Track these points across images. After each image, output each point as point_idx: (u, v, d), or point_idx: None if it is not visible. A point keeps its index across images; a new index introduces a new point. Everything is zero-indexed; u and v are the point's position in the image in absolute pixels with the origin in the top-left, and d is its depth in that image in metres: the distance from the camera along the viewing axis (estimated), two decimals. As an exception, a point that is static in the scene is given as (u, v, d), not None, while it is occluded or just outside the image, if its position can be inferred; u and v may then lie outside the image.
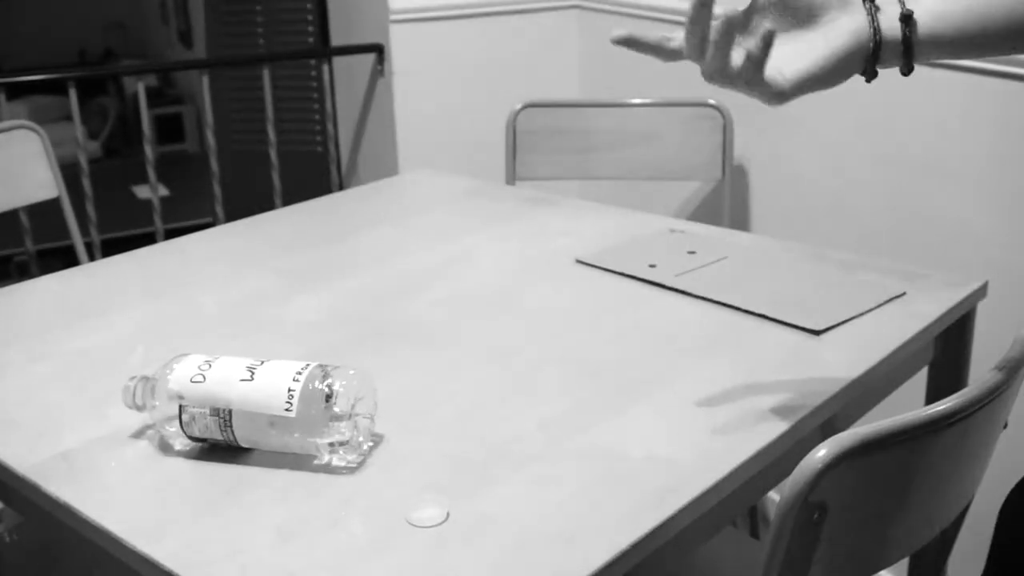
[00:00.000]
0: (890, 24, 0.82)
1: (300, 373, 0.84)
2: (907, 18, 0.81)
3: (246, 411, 0.84)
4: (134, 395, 0.89)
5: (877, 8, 0.82)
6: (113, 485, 0.84)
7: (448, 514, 0.78)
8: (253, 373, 0.85)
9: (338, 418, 0.82)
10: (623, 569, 0.74)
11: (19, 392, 1.00)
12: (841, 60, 0.82)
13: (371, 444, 0.87)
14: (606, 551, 0.74)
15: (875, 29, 0.81)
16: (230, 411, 0.84)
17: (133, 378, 0.90)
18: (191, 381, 0.86)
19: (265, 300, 1.22)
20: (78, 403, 0.97)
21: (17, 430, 0.92)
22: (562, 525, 0.77)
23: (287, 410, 0.82)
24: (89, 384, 1.01)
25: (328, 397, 0.82)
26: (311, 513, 0.79)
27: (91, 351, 1.09)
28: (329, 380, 0.83)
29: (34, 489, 0.85)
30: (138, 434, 0.91)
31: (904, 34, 0.81)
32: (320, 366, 0.85)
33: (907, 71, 0.83)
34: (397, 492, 0.82)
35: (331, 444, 0.83)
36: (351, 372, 0.85)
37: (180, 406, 0.85)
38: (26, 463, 0.87)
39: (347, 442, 0.83)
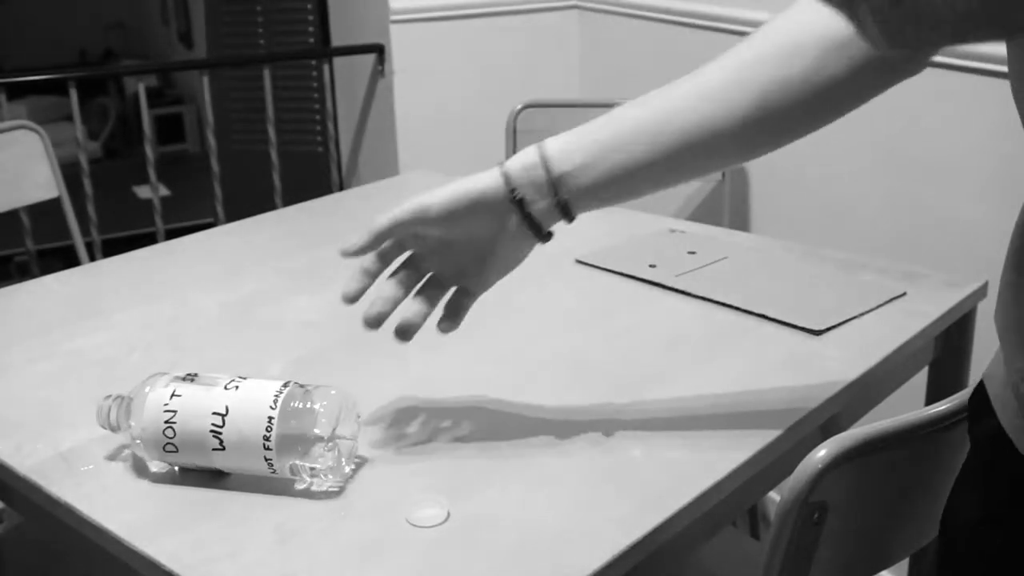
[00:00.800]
0: (544, 210, 0.80)
1: (271, 422, 0.79)
2: (564, 206, 0.80)
3: (229, 466, 0.82)
4: (108, 416, 0.85)
5: (526, 210, 0.80)
6: (113, 485, 0.84)
7: (448, 514, 0.78)
8: (222, 439, 0.80)
9: (319, 443, 0.79)
10: (623, 569, 0.74)
11: (19, 392, 1.00)
12: (514, 256, 0.84)
13: (354, 467, 0.84)
14: (606, 551, 0.74)
15: (532, 225, 0.81)
16: (216, 469, 0.83)
17: (108, 397, 0.86)
18: (164, 450, 0.82)
19: (264, 300, 1.22)
20: (78, 403, 0.97)
21: (17, 430, 0.92)
22: (562, 525, 0.77)
23: (272, 472, 0.80)
24: (89, 384, 1.01)
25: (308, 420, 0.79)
26: (311, 513, 0.79)
27: (91, 351, 1.09)
28: (309, 403, 0.80)
29: (34, 489, 0.85)
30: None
31: (564, 213, 0.81)
32: (299, 387, 0.81)
33: (572, 221, 0.82)
34: (397, 492, 0.81)
35: (312, 469, 0.80)
36: (332, 393, 0.81)
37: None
38: (26, 463, 0.87)
39: (329, 467, 0.80)
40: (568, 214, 0.81)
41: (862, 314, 1.11)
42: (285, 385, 0.81)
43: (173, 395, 0.82)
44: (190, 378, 0.83)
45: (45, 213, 1.93)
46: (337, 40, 2.78)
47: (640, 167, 0.79)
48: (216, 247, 1.43)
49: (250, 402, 0.80)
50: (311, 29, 3.19)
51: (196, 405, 0.81)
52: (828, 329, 1.08)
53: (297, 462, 0.79)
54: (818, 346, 1.05)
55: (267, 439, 0.78)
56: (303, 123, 3.15)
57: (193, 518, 0.79)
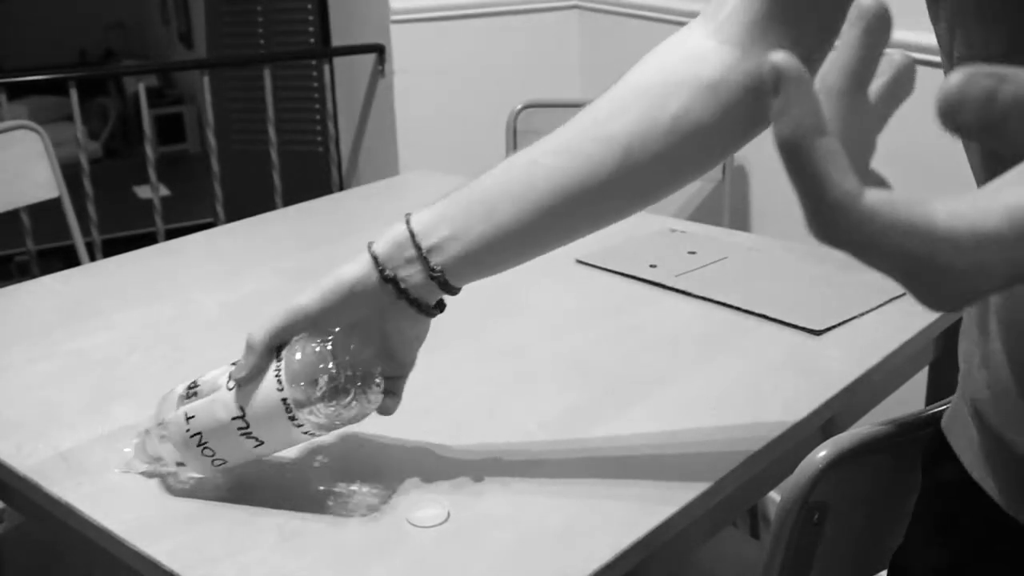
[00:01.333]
0: (420, 285, 0.77)
1: (285, 403, 0.76)
2: (440, 279, 0.76)
3: (276, 449, 0.81)
4: (147, 451, 0.84)
5: (401, 286, 0.76)
6: (113, 485, 0.84)
7: (448, 514, 0.78)
8: (254, 435, 0.78)
9: (337, 385, 0.75)
10: (623, 569, 0.74)
11: (19, 392, 1.00)
12: (412, 333, 0.80)
13: (377, 391, 0.79)
14: (606, 551, 0.74)
15: (412, 301, 0.77)
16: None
17: (139, 436, 0.84)
18: (215, 466, 0.81)
19: (265, 300, 1.21)
20: (78, 403, 0.97)
21: (17, 430, 0.92)
22: (562, 525, 0.77)
23: (314, 435, 0.78)
24: (89, 384, 1.01)
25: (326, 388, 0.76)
26: (311, 513, 0.79)
27: (91, 351, 1.09)
28: (311, 347, 0.76)
29: (34, 489, 0.85)
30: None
31: (442, 286, 0.77)
32: (291, 346, 0.77)
33: (456, 293, 0.79)
34: (397, 492, 0.81)
35: (338, 406, 0.76)
36: (322, 343, 0.76)
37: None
38: (26, 463, 0.87)
39: (354, 400, 0.77)
40: (447, 287, 0.77)
41: (862, 314, 1.11)
42: (279, 358, 0.78)
43: (188, 418, 0.80)
44: (192, 393, 0.81)
45: (45, 213, 1.93)
46: (337, 40, 2.78)
47: (510, 233, 0.76)
48: (216, 247, 1.43)
49: (258, 392, 0.77)
50: (311, 29, 3.19)
51: (214, 420, 0.79)
52: (828, 329, 1.08)
53: (325, 409, 0.76)
54: (818, 346, 1.05)
55: (292, 418, 0.76)
56: (303, 123, 3.15)
57: (193, 518, 0.79)
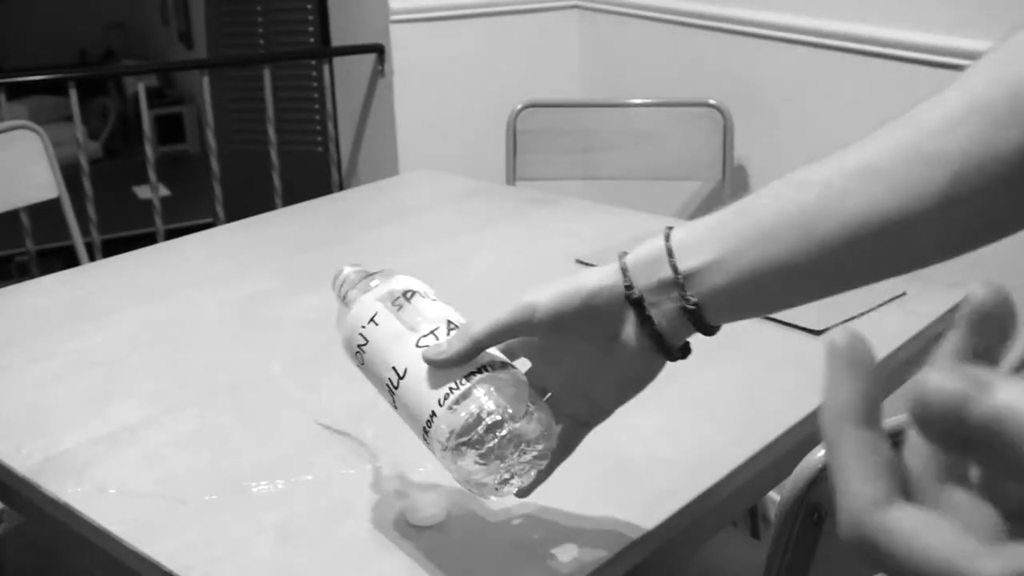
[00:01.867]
0: (669, 314, 0.65)
1: (433, 416, 0.67)
2: (695, 312, 0.64)
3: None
4: (340, 286, 0.77)
5: (646, 312, 0.65)
6: (113, 485, 0.84)
7: (448, 514, 0.78)
8: (394, 399, 0.70)
9: (471, 453, 0.66)
10: (623, 569, 0.74)
11: (19, 392, 1.00)
12: (636, 376, 0.69)
13: (508, 482, 0.68)
14: (606, 551, 0.74)
15: (653, 334, 0.66)
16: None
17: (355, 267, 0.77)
18: (358, 367, 0.74)
19: (265, 300, 1.21)
20: (78, 403, 0.97)
21: (17, 430, 0.92)
22: (562, 525, 0.77)
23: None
24: (89, 384, 1.01)
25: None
26: (311, 513, 0.79)
27: (91, 351, 1.09)
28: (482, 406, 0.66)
29: (34, 489, 0.85)
30: (137, 434, 0.91)
31: (695, 321, 0.65)
32: (487, 377, 0.67)
33: (712, 333, 0.67)
34: (397, 493, 0.81)
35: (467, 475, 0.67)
36: (507, 413, 0.66)
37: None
38: (26, 463, 0.87)
39: (481, 479, 0.67)
40: (701, 323, 0.65)
41: (862, 314, 1.11)
42: (469, 377, 0.67)
43: (371, 320, 0.73)
44: (399, 303, 0.73)
45: (45, 213, 1.93)
46: (337, 40, 2.78)
47: (789, 267, 0.61)
48: (216, 247, 1.43)
49: (424, 381, 0.68)
50: (311, 29, 3.19)
51: (383, 349, 0.71)
52: (828, 329, 1.08)
53: (451, 463, 0.67)
54: (818, 346, 1.05)
55: (426, 430, 0.67)
56: (303, 123, 3.15)
57: (193, 518, 0.79)
